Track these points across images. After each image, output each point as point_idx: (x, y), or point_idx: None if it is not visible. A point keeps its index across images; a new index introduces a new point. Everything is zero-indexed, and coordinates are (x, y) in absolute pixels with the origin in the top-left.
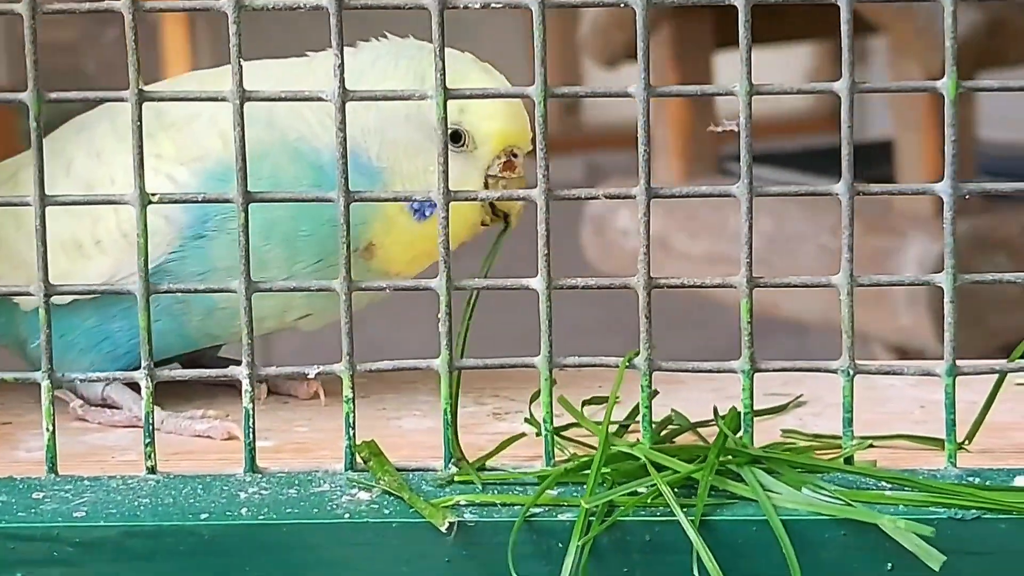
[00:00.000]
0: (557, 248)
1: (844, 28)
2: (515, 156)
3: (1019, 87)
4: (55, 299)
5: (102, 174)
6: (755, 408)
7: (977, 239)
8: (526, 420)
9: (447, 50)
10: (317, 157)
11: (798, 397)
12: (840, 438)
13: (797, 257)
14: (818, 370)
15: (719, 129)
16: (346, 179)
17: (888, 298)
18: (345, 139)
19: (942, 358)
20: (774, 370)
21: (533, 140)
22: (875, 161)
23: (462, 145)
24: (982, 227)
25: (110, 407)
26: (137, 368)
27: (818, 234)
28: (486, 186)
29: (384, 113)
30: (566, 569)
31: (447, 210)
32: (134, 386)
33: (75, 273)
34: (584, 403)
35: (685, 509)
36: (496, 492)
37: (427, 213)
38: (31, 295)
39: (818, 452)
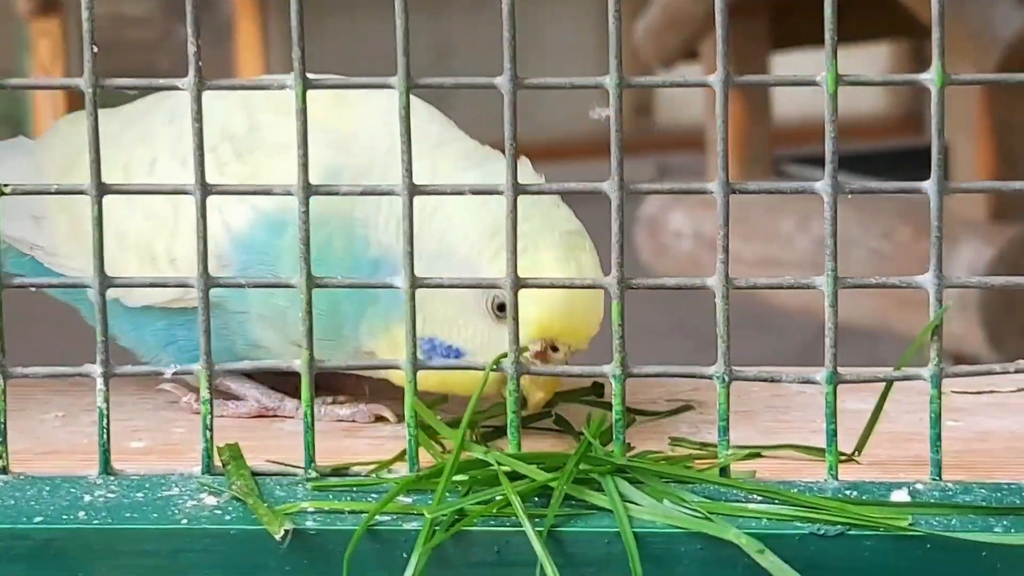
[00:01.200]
0: (609, 248)
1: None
2: (555, 350)
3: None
4: (127, 301)
5: (185, 175)
6: (634, 414)
7: None
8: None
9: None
10: (366, 249)
11: (685, 406)
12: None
13: (848, 261)
14: (692, 375)
15: (597, 115)
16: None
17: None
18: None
19: (993, 363)
20: (645, 375)
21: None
22: (929, 163)
23: (503, 317)
24: None
25: (231, 398)
26: None
27: (869, 239)
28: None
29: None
30: None
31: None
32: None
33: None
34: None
35: (537, 520)
36: (349, 498)
37: (432, 358)
38: (87, 287)
39: (698, 462)
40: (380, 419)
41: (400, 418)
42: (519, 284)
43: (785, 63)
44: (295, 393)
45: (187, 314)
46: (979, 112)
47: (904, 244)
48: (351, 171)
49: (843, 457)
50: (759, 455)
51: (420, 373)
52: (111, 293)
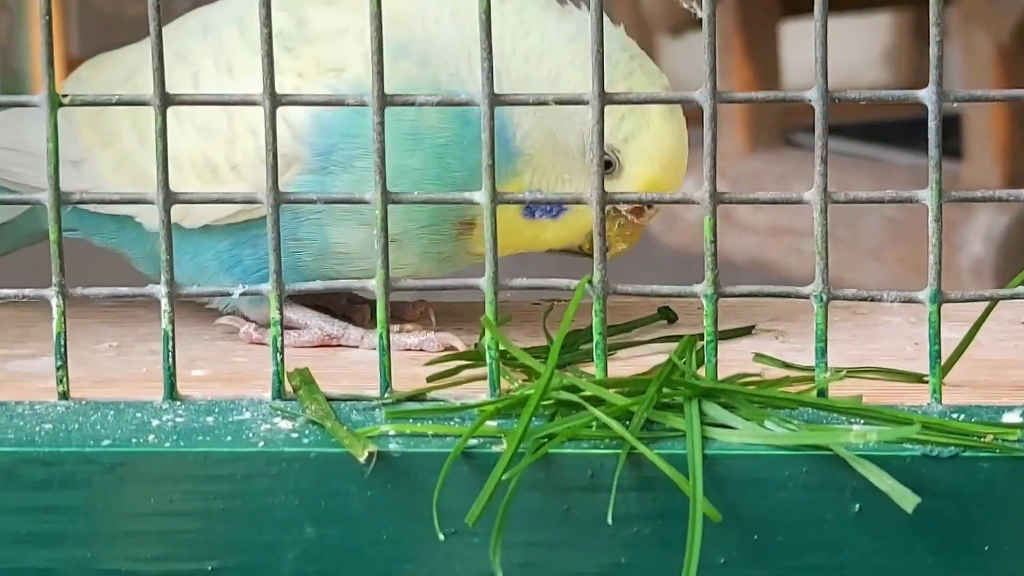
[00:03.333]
0: None
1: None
2: (649, 207)
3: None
4: (187, 223)
5: (236, 92)
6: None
7: None
8: (476, 347)
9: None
10: (468, 109)
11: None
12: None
13: (861, 229)
14: (788, 295)
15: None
16: (491, 81)
17: (952, 270)
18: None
19: None
20: (738, 295)
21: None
22: (944, 135)
23: (610, 172)
24: None
25: (290, 328)
26: None
27: (883, 206)
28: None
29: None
30: (480, 501)
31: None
32: (315, 305)
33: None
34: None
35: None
36: (430, 423)
37: (536, 215)
38: (150, 202)
39: (790, 387)
40: (449, 348)
41: (470, 347)
42: (605, 100)
43: (797, 30)
44: (359, 323)
45: (253, 228)
46: (995, 81)
47: (918, 211)
48: (417, 46)
49: (926, 378)
50: (856, 377)
51: (510, 228)
52: (154, 220)
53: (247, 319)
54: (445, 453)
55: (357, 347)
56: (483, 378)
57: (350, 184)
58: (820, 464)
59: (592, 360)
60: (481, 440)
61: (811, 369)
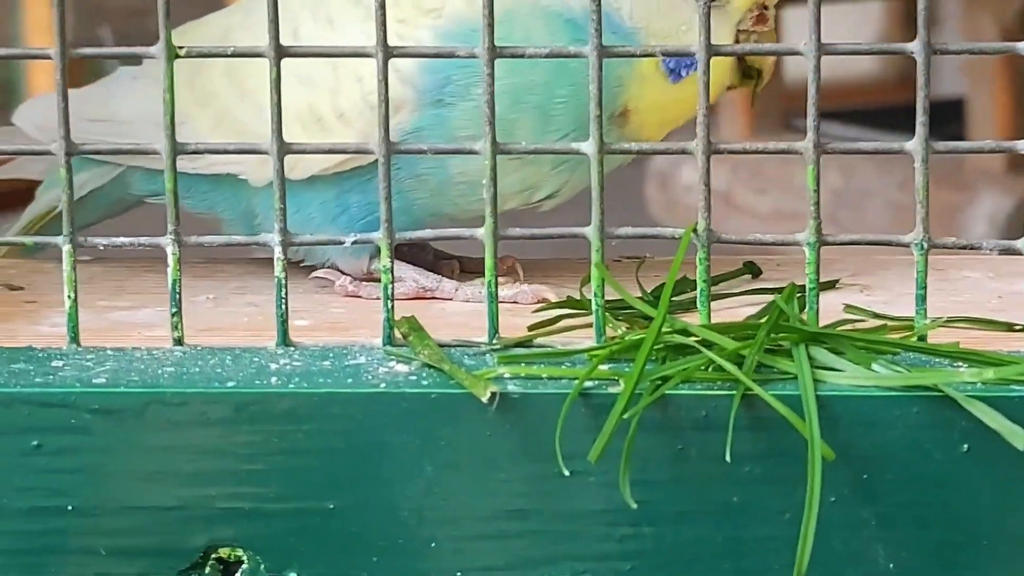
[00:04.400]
0: (620, 203)
1: None
2: (766, 9)
3: None
4: (294, 175)
5: (339, 43)
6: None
7: None
8: (569, 298)
9: None
10: (570, 13)
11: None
12: (911, 320)
13: (864, 212)
14: (890, 243)
15: None
16: (599, 32)
17: (955, 253)
18: None
19: None
20: (841, 243)
21: None
22: (946, 119)
23: (717, 4)
24: None
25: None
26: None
27: (887, 190)
28: (737, 42)
29: None
30: (602, 438)
31: (707, 66)
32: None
33: None
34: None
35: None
36: (542, 366)
37: (683, 73)
38: (264, 152)
39: (887, 335)
40: (543, 300)
41: (561, 299)
42: None
43: (798, 18)
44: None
45: (361, 175)
46: (997, 62)
47: None
48: None
49: (1018, 327)
50: (950, 327)
51: (662, 101)
52: (265, 176)
53: (342, 272)
54: (562, 394)
55: (451, 299)
56: (584, 327)
57: (469, 112)
58: (929, 405)
59: (687, 312)
60: (596, 383)
61: (903, 319)
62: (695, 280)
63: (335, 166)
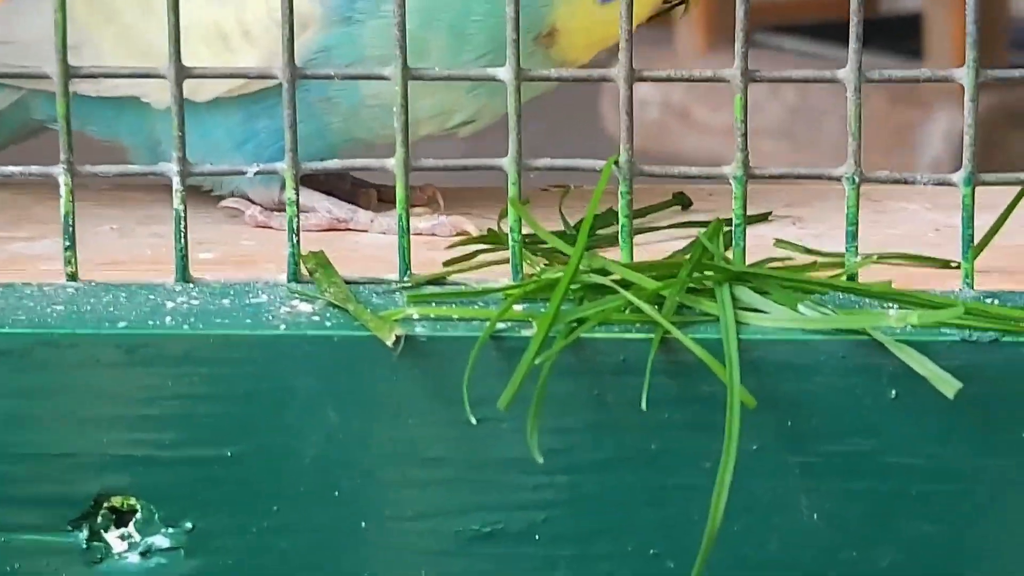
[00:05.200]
0: (576, 119)
1: None
2: None
3: None
4: (198, 97)
5: None
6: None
7: (1005, 112)
8: (489, 231)
9: None
10: None
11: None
12: (843, 256)
13: (821, 129)
14: (820, 177)
15: None
16: None
17: (911, 169)
18: None
19: None
20: (769, 177)
21: None
22: (903, 35)
23: None
24: (1010, 100)
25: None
26: None
27: (842, 106)
28: None
29: None
30: (512, 385)
31: None
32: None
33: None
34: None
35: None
36: (454, 306)
37: None
38: (162, 76)
39: (817, 272)
40: (462, 232)
41: (482, 231)
42: None
43: None
44: (365, 207)
45: (268, 98)
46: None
47: (879, 111)
48: None
49: (954, 264)
50: (877, 261)
51: (590, 23)
52: (167, 98)
53: (252, 202)
54: (473, 337)
55: (366, 231)
56: (502, 262)
57: (380, 29)
58: (857, 349)
59: (612, 246)
60: (509, 324)
61: (835, 255)
62: (614, 212)
63: (239, 88)
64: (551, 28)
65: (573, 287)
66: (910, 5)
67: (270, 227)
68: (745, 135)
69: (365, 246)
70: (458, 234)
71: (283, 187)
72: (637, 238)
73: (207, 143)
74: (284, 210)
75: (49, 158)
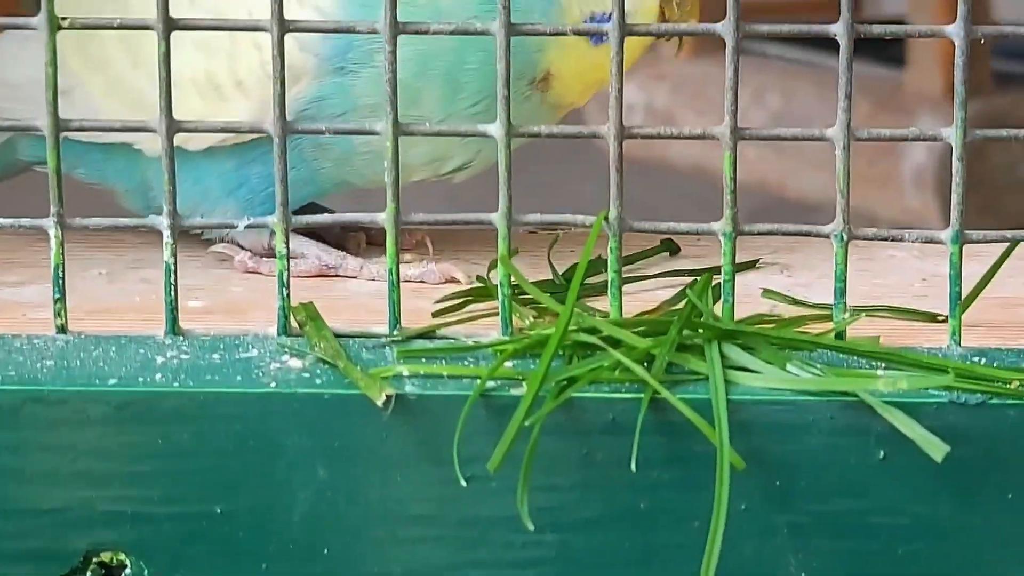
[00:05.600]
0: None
1: None
2: None
3: None
4: (190, 146)
5: (235, 4)
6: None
7: (989, 120)
8: (478, 280)
9: None
10: None
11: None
12: (831, 307)
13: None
14: (808, 234)
15: None
16: (507, 8)
17: (895, 180)
18: None
19: None
20: (759, 233)
21: None
22: (887, 40)
23: None
24: (995, 108)
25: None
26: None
27: (828, 114)
28: (661, 10)
29: None
30: (501, 446)
31: (621, 45)
32: (308, 234)
33: (212, 117)
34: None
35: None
36: (444, 363)
37: (604, 38)
38: (152, 130)
39: (806, 327)
40: (451, 280)
41: (471, 278)
42: None
43: None
44: (354, 252)
45: (261, 147)
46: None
47: (862, 120)
48: None
49: (941, 319)
50: (871, 317)
51: (585, 65)
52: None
53: (241, 247)
54: (463, 396)
55: (355, 277)
56: (492, 313)
57: (373, 78)
58: (845, 410)
59: (600, 295)
60: (499, 382)
61: (823, 307)
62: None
63: (233, 137)
64: (545, 72)
65: (564, 344)
66: (892, 10)
67: (259, 273)
68: (734, 191)
69: (355, 293)
70: (447, 281)
71: (272, 233)
72: (628, 286)
73: (199, 189)
74: (273, 256)
75: (33, 193)
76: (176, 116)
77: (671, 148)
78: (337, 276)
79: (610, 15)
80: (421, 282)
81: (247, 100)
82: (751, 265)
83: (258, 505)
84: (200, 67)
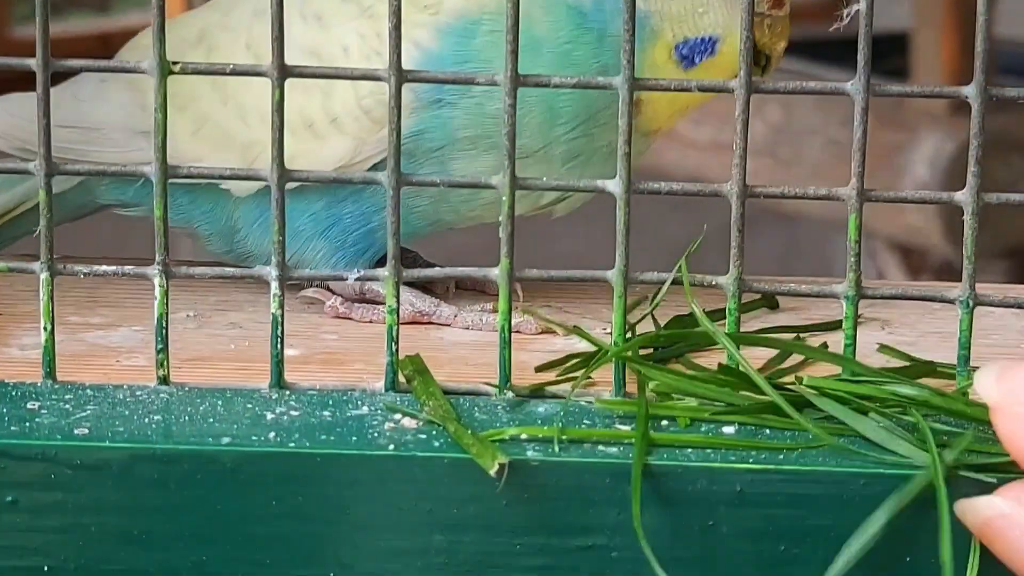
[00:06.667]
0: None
1: None
2: None
3: None
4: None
5: (330, 42)
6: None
7: (990, 139)
8: (576, 332)
9: None
10: (577, 1)
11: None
12: (948, 367)
13: (804, 149)
14: (933, 299)
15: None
16: (631, 63)
17: (894, 189)
18: None
19: (949, 259)
20: (881, 296)
21: None
22: (888, 53)
23: None
24: (995, 127)
25: (378, 303)
26: (368, 255)
27: (827, 127)
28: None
29: None
30: (635, 518)
31: (630, 97)
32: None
33: (305, 155)
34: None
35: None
36: (560, 424)
37: (696, 60)
38: (262, 179)
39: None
40: (547, 331)
41: (568, 330)
42: None
43: None
44: (442, 297)
45: (351, 184)
46: (946, 4)
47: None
48: None
49: None
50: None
51: (675, 114)
52: (250, 185)
53: (332, 292)
54: (581, 462)
55: (449, 325)
56: (595, 366)
57: (471, 110)
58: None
59: (708, 347)
60: (620, 448)
61: (946, 367)
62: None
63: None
64: (636, 98)
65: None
66: (895, 23)
67: (350, 318)
68: (859, 255)
69: (451, 344)
70: (543, 332)
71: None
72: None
73: (291, 229)
74: (365, 301)
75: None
76: (266, 156)
77: (666, 156)
78: (430, 323)
79: (702, 39)
80: (517, 332)
81: (342, 137)
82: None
83: (373, 570)
84: (293, 105)
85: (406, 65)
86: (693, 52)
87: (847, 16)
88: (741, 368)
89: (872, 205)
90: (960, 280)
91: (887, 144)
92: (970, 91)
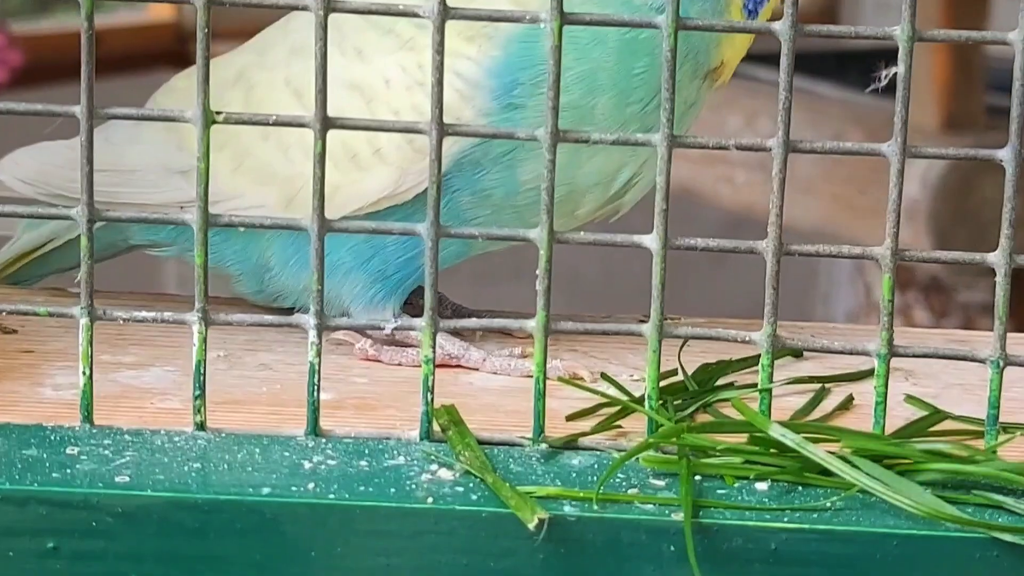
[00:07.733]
0: None
1: None
2: None
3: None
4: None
5: (371, 74)
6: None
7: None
8: (604, 378)
9: None
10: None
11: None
12: (976, 421)
13: (795, 164)
14: (963, 358)
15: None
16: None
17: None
18: None
19: (937, 276)
20: (913, 355)
21: None
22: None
23: None
24: (987, 144)
25: (406, 345)
26: (406, 285)
27: (819, 142)
28: None
29: None
30: None
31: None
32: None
33: (347, 186)
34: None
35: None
36: (594, 479)
37: (757, 10)
38: (302, 229)
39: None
40: (576, 377)
41: (595, 376)
42: None
43: None
44: (469, 338)
45: (394, 214)
46: (939, 21)
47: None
48: None
49: None
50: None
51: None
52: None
53: (362, 334)
54: (618, 519)
55: (477, 369)
56: (626, 413)
57: (539, 109)
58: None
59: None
60: (656, 505)
61: (973, 421)
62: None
63: (369, 206)
64: (720, 61)
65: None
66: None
67: (379, 361)
68: (891, 314)
69: (480, 390)
70: (572, 377)
71: (393, 317)
72: (750, 392)
73: (330, 261)
74: (394, 343)
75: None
76: (307, 190)
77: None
78: (459, 367)
79: None
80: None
81: (386, 167)
82: (871, 373)
83: None
84: (337, 138)
85: (464, 87)
86: (757, 5)
87: (885, 77)
88: (788, 444)
89: (861, 216)
90: (945, 298)
91: (878, 160)
92: (1005, 154)
